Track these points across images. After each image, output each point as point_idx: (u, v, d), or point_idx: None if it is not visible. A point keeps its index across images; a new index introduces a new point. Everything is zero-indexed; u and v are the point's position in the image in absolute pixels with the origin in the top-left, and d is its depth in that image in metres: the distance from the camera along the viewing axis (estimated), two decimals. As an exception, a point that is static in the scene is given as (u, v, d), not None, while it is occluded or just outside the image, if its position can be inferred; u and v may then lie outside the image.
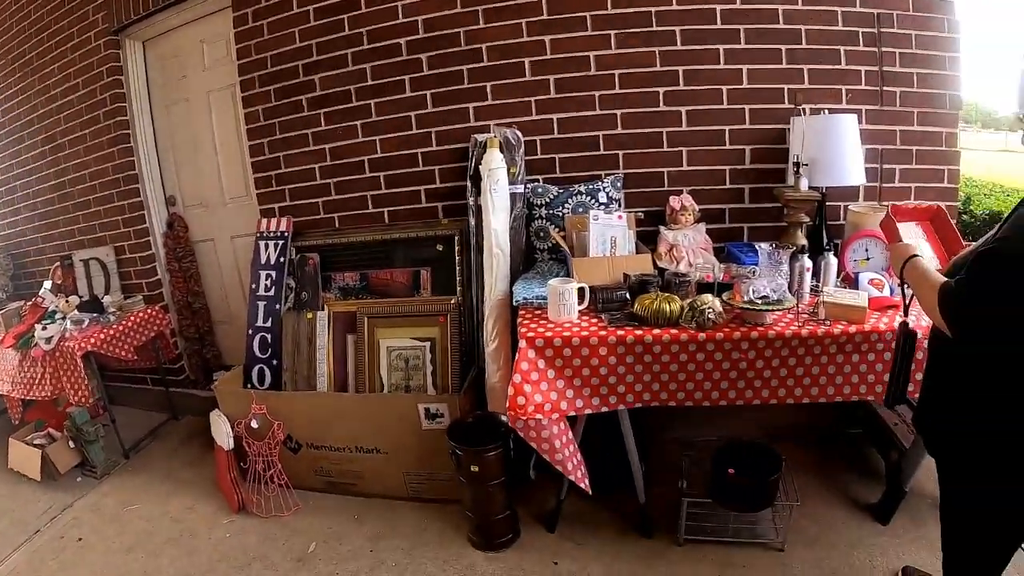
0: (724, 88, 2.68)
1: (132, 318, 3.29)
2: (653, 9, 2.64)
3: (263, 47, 3.03)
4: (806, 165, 2.33)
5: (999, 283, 1.17)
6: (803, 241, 2.37)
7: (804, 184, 2.34)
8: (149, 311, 3.42)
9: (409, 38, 2.81)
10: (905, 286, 1.53)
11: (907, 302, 1.58)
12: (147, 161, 3.59)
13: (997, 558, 1.41)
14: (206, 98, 3.44)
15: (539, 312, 2.17)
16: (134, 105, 3.52)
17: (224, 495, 2.71)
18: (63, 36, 3.56)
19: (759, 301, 1.94)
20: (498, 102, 2.80)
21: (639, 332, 1.94)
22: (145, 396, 3.73)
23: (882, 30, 2.63)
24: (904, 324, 1.57)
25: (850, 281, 2.25)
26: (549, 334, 1.97)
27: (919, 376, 1.61)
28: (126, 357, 3.20)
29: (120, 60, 3.46)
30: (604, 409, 2.02)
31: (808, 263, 2.17)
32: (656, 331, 1.94)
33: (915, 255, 1.49)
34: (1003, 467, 1.30)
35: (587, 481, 2.14)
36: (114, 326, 3.18)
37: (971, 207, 3.63)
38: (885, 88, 2.66)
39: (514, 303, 2.29)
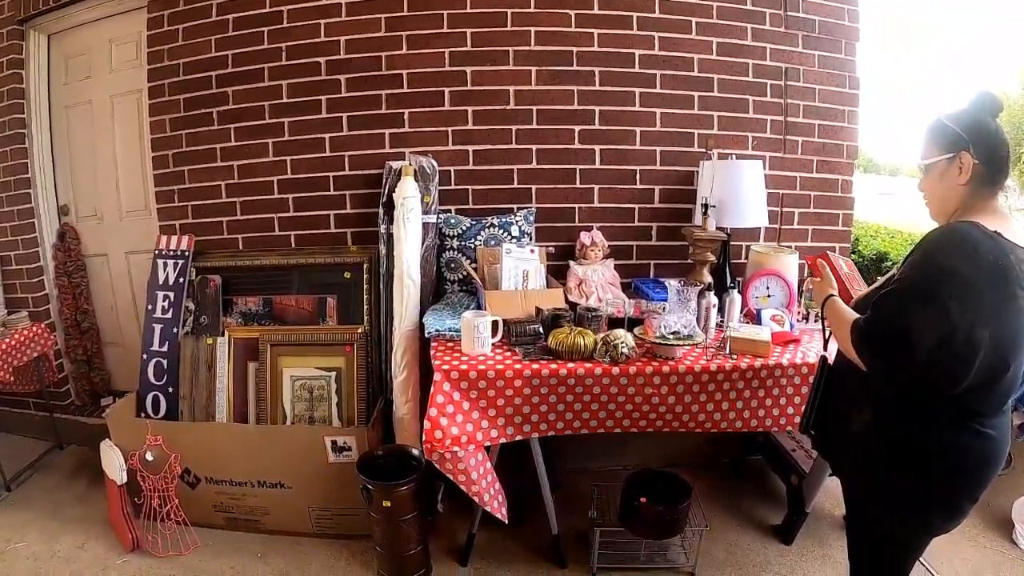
0: (638, 130, 2.76)
1: (16, 336, 2.97)
2: (575, 49, 2.70)
3: (176, 53, 2.86)
4: (714, 207, 2.43)
5: (895, 322, 1.28)
6: (709, 279, 2.47)
7: (712, 224, 2.44)
8: (35, 328, 3.09)
9: (329, 58, 2.74)
10: (825, 322, 1.61)
11: (826, 337, 1.66)
12: (41, 165, 3.30)
13: (902, 569, 1.50)
14: (110, 102, 3.20)
15: (452, 344, 2.14)
16: (32, 103, 3.23)
17: (117, 533, 2.49)
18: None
19: (670, 336, 1.98)
20: (415, 130, 2.76)
21: (554, 366, 1.94)
22: (26, 422, 3.39)
23: (788, 83, 2.80)
24: (823, 359, 1.65)
25: (753, 317, 2.34)
26: (464, 367, 1.94)
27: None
28: (5, 379, 2.89)
29: (23, 53, 3.17)
30: (518, 438, 2.01)
31: (714, 300, 2.24)
32: (570, 365, 1.95)
33: (831, 295, 1.58)
34: (899, 471, 1.38)
35: (504, 510, 2.11)
36: (-3, 343, 2.86)
37: (860, 248, 3.90)
38: (788, 137, 2.84)
39: (426, 335, 2.24)
